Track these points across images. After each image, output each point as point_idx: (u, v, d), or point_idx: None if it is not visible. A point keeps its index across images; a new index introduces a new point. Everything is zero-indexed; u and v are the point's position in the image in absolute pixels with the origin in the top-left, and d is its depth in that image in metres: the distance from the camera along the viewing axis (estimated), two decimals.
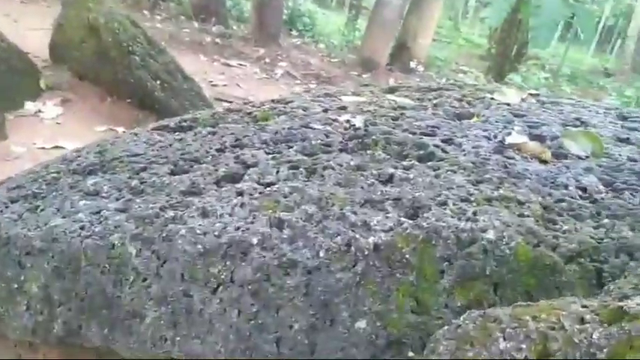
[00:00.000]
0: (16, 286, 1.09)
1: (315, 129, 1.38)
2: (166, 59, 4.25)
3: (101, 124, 4.05)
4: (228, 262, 0.91)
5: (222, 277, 0.91)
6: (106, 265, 0.99)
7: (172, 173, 1.22)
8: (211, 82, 5.69)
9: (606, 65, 16.42)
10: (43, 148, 3.51)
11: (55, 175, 1.40)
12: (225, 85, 5.79)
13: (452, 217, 0.92)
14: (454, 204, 0.96)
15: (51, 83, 4.49)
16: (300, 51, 7.49)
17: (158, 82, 4.02)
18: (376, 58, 7.05)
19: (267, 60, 6.65)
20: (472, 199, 0.97)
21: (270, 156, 1.21)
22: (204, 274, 0.92)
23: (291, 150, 1.25)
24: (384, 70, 7.13)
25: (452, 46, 14.87)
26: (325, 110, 1.56)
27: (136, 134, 1.69)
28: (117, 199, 1.14)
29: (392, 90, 1.95)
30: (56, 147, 3.55)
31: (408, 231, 0.89)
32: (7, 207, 1.27)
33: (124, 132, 4.02)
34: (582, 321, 0.57)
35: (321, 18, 11.01)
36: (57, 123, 3.98)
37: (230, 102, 5.27)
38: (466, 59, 13.41)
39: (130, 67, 3.95)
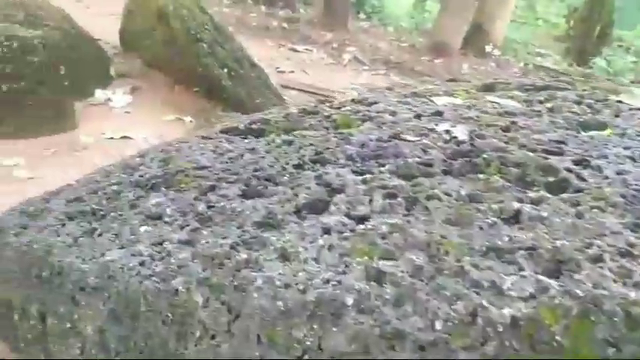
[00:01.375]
0: (69, 325, 0.96)
1: (408, 141, 1.16)
2: (234, 46, 4.12)
3: (169, 114, 3.98)
4: (315, 326, 0.73)
5: (308, 343, 0.73)
6: (169, 314, 0.83)
7: (244, 195, 1.04)
8: (278, 68, 5.54)
9: None
10: (112, 138, 3.47)
11: (115, 187, 1.26)
12: (291, 72, 5.62)
13: (614, 280, 0.69)
14: (612, 260, 0.73)
15: (121, 71, 4.47)
16: (369, 35, 7.21)
17: (225, 70, 3.90)
18: (449, 42, 6.65)
19: (335, 45, 6.42)
20: (636, 253, 0.74)
21: (360, 178, 1.01)
22: (286, 339, 0.74)
23: (383, 170, 1.04)
24: (457, 54, 6.74)
25: (526, 27, 14.05)
26: (418, 116, 1.33)
27: (203, 138, 1.53)
28: (181, 227, 0.97)
29: (488, 88, 1.69)
30: (124, 137, 3.50)
31: (556, 300, 0.67)
32: (63, 225, 1.14)
33: (190, 121, 3.94)
34: None
35: None
36: (126, 112, 3.94)
37: (297, 90, 5.10)
38: (542, 41, 12.66)
39: (197, 56, 3.84)
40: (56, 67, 3.37)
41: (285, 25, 6.60)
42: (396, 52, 6.56)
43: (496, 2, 7.02)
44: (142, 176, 1.29)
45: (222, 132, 1.59)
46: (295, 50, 6.21)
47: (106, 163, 3.20)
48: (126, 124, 3.73)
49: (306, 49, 6.26)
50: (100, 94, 4.10)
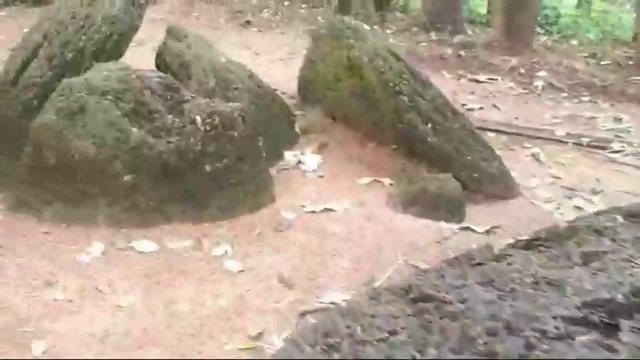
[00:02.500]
0: None
1: None
2: (433, 94, 3.63)
3: (364, 175, 3.58)
4: None
5: None
6: None
7: None
8: (464, 105, 4.95)
9: None
10: (313, 212, 3.13)
11: None
12: (480, 108, 4.99)
13: None
14: None
15: (303, 125, 4.19)
16: (557, 54, 6.33)
17: (429, 124, 3.40)
18: None
19: (522, 70, 5.67)
20: None
21: None
22: None
23: None
24: None
25: None
26: None
27: None
28: None
29: None
30: (326, 209, 3.15)
31: None
32: None
33: (390, 184, 3.48)
34: None
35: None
36: (319, 176, 3.61)
37: (493, 131, 4.47)
38: None
39: (397, 110, 3.40)
40: (254, 138, 3.11)
41: (461, 52, 5.97)
42: (597, 73, 5.63)
43: None
44: None
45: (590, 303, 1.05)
46: (477, 81, 5.57)
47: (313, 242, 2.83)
48: (322, 192, 3.39)
49: (490, 79, 5.59)
50: (289, 156, 3.84)
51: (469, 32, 7.30)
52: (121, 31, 3.07)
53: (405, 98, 3.39)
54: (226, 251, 2.74)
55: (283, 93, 4.91)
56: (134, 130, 2.79)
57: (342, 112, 3.96)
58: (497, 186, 3.35)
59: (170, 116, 2.88)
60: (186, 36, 3.82)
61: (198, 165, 2.89)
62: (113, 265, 2.58)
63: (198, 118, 2.91)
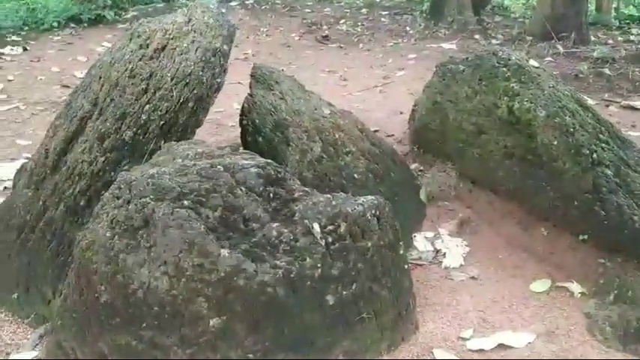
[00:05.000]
0: None
1: None
2: (638, 158, 2.49)
3: (536, 275, 2.50)
4: None
5: None
6: None
7: None
8: None
9: None
10: (482, 350, 2.09)
11: None
12: None
13: None
14: None
15: (430, 191, 3.14)
16: None
17: None
18: None
19: None
20: None
21: None
22: None
23: None
24: None
25: None
26: None
27: None
28: None
29: None
30: (500, 345, 2.10)
31: None
32: None
33: (582, 292, 2.33)
34: None
35: None
36: (471, 277, 2.55)
37: None
38: None
39: (596, 188, 2.30)
40: (394, 246, 2.09)
41: (606, 70, 4.73)
42: None
43: None
44: None
45: None
46: (634, 108, 4.34)
47: None
48: (484, 307, 2.33)
49: None
50: (421, 242, 2.80)
51: (593, 38, 6.01)
52: (199, 95, 2.12)
53: (609, 172, 2.28)
54: None
55: (388, 136, 3.90)
56: (224, 251, 1.83)
57: (490, 176, 2.88)
58: None
59: (275, 225, 1.90)
60: (278, 82, 2.85)
61: (317, 296, 1.90)
62: None
63: (316, 227, 1.92)
